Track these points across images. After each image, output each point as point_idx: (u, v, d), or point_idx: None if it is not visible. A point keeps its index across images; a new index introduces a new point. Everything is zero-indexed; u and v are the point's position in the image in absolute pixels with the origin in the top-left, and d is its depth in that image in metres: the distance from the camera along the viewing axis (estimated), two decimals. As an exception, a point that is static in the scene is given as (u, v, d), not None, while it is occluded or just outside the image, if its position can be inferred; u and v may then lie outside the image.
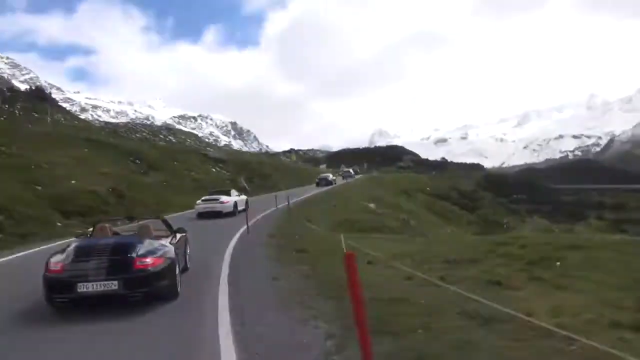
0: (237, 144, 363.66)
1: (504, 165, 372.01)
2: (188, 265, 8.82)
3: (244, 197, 25.16)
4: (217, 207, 22.01)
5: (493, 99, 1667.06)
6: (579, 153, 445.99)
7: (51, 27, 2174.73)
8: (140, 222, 8.74)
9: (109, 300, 6.03)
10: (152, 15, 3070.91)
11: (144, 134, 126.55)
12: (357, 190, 47.79)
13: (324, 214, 27.37)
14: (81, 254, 6.16)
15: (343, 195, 40.50)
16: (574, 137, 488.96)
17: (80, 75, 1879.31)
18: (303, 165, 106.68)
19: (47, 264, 6.17)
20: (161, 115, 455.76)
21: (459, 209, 59.54)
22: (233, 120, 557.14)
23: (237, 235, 14.76)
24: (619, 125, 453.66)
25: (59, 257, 6.20)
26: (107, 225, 7.83)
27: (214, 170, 50.56)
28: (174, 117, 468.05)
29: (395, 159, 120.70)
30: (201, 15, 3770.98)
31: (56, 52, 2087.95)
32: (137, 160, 39.46)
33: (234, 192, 24.95)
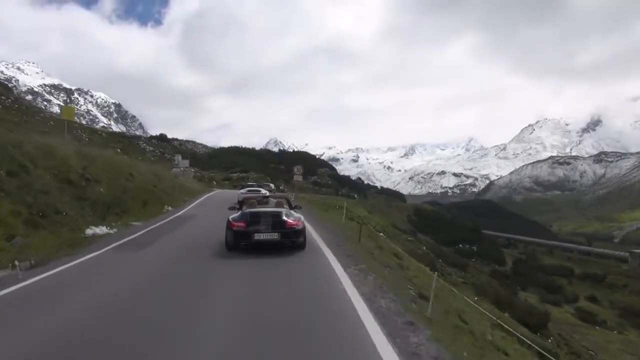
0: (117, 129, 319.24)
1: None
2: None
3: None
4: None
5: (383, 127, 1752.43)
6: (458, 191, 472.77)
7: None
8: (276, 199, 12.66)
9: (271, 245, 10.17)
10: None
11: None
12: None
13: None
14: (254, 216, 10.38)
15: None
16: (455, 174, 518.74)
17: None
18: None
19: (230, 223, 10.37)
20: (28, 80, 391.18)
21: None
22: (117, 102, 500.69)
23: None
24: (494, 170, 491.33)
25: (238, 218, 10.45)
26: (253, 200, 12.39)
27: None
28: (45, 85, 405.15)
29: (307, 171, 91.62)
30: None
31: None
32: None
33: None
